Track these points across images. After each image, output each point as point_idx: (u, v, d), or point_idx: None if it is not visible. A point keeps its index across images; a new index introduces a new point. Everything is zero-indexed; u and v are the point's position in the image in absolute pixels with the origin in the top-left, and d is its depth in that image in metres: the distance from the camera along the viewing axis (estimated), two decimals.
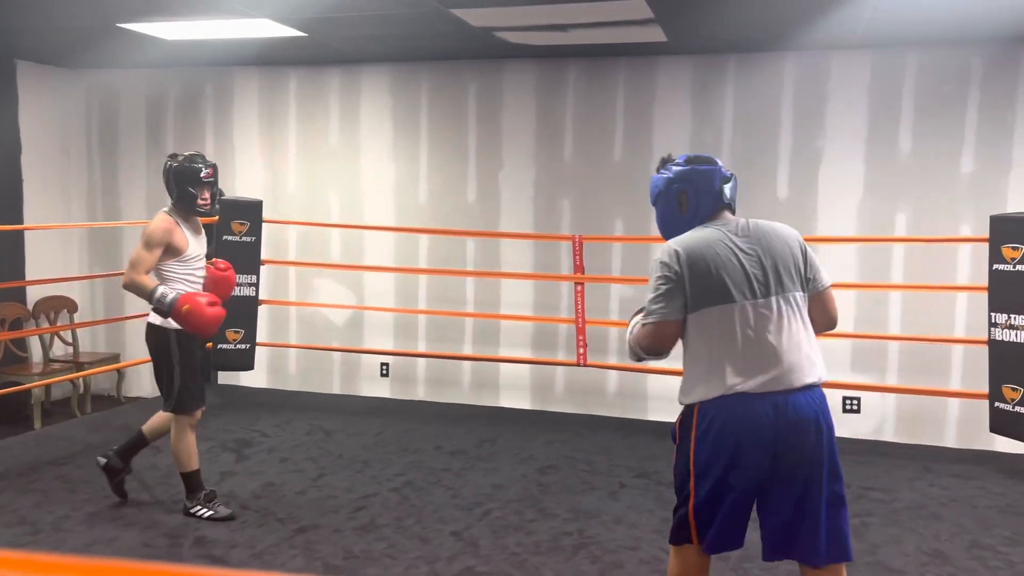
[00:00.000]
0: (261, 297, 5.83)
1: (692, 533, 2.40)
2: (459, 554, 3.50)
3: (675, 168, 2.52)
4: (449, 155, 6.11)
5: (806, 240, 2.54)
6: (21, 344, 6.38)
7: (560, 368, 5.97)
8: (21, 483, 4.28)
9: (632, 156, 5.76)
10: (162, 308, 3.54)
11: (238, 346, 5.65)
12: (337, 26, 4.96)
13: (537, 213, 5.96)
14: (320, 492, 4.22)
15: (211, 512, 3.82)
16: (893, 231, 5.31)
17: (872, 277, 5.35)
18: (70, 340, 6.68)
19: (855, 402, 5.43)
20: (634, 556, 3.50)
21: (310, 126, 6.38)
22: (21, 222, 6.40)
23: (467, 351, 6.13)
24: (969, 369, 5.16)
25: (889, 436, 5.39)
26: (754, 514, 2.48)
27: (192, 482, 3.85)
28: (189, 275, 3.73)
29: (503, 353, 6.04)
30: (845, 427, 5.41)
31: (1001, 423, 4.50)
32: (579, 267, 5.40)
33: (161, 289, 3.56)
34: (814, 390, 2.34)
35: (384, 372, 6.35)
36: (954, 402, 5.25)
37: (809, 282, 2.45)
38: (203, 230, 3.91)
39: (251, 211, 5.67)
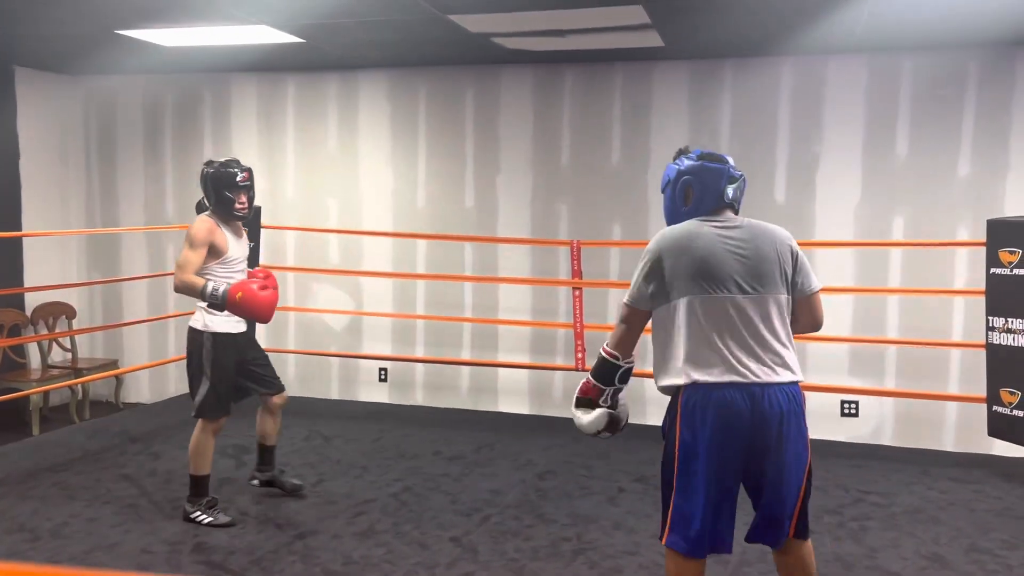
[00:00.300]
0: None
1: (666, 528, 2.50)
2: (458, 560, 3.50)
3: (687, 161, 2.62)
4: (447, 160, 6.12)
5: (803, 244, 2.61)
6: (19, 350, 6.38)
7: (558, 373, 5.97)
8: (20, 490, 4.27)
9: (629, 161, 5.77)
10: (216, 301, 3.59)
11: None
12: (335, 32, 4.97)
13: (535, 218, 5.97)
14: (319, 498, 4.22)
15: (210, 519, 3.82)
16: (890, 235, 5.33)
17: (870, 281, 5.36)
18: (68, 346, 6.68)
19: (853, 406, 5.44)
20: (633, 561, 3.50)
21: (308, 132, 6.39)
22: (19, 228, 6.41)
23: (465, 356, 6.14)
24: (967, 373, 5.16)
25: (887, 440, 5.40)
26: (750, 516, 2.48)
27: (199, 486, 3.86)
28: (229, 277, 3.76)
29: (501, 358, 6.04)
30: (843, 431, 5.42)
31: (999, 427, 4.51)
32: (577, 272, 5.40)
33: (211, 284, 3.61)
34: (790, 386, 2.44)
35: (382, 377, 6.35)
36: (952, 406, 5.26)
37: (796, 285, 2.53)
38: (244, 234, 3.95)
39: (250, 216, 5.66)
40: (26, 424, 5.99)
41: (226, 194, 3.74)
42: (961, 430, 5.25)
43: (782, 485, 2.44)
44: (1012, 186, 5.11)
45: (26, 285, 6.38)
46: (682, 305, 2.45)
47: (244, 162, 3.98)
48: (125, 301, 6.92)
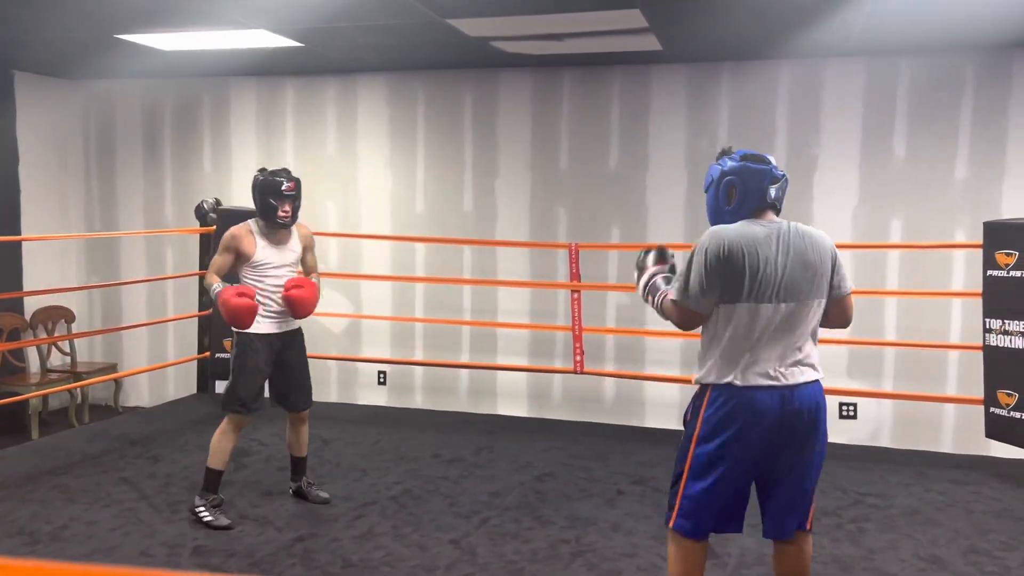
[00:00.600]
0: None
1: (674, 513, 2.59)
2: (457, 562, 3.50)
3: (730, 162, 2.66)
4: (445, 164, 6.14)
5: None
6: (19, 354, 6.39)
7: (557, 375, 5.98)
8: (19, 493, 4.28)
9: (628, 164, 5.78)
10: (211, 300, 3.83)
11: None
12: (333, 36, 4.98)
13: (533, 221, 5.98)
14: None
15: (211, 518, 3.84)
16: (888, 237, 5.34)
17: (868, 283, 5.37)
18: (67, 350, 6.69)
19: (851, 408, 5.45)
20: (631, 563, 3.51)
21: (307, 135, 6.41)
22: (19, 233, 6.42)
23: (464, 359, 6.14)
24: (965, 375, 5.17)
25: (886, 442, 5.40)
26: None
27: (209, 480, 3.93)
28: (259, 281, 3.88)
29: (500, 361, 6.05)
30: (842, 433, 5.43)
31: (996, 428, 4.52)
32: (575, 275, 5.41)
33: (216, 285, 3.80)
34: (815, 384, 2.56)
35: (381, 380, 6.36)
36: (950, 407, 5.27)
37: (834, 288, 2.62)
38: (291, 242, 3.99)
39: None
40: (25, 428, 6.00)
41: (270, 201, 3.85)
42: (959, 432, 5.26)
43: (806, 479, 2.57)
44: (1009, 188, 5.12)
45: (25, 289, 6.39)
46: (731, 310, 2.51)
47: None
48: (124, 305, 6.92)
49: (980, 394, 4.63)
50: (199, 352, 6.12)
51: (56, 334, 6.58)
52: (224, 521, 3.86)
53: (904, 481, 4.59)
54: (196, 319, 6.14)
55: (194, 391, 6.34)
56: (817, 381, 2.57)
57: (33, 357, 6.56)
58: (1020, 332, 4.35)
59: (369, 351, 6.30)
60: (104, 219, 6.92)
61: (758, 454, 2.51)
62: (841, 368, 5.42)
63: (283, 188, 3.85)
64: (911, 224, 5.30)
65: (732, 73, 5.57)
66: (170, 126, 6.72)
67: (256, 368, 3.90)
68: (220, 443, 3.91)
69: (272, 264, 3.91)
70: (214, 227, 5.64)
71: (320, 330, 6.40)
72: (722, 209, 2.65)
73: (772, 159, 2.68)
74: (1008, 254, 4.40)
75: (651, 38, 4.84)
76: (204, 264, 6.00)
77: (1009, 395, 4.42)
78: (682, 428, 2.69)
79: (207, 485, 3.93)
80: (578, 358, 5.42)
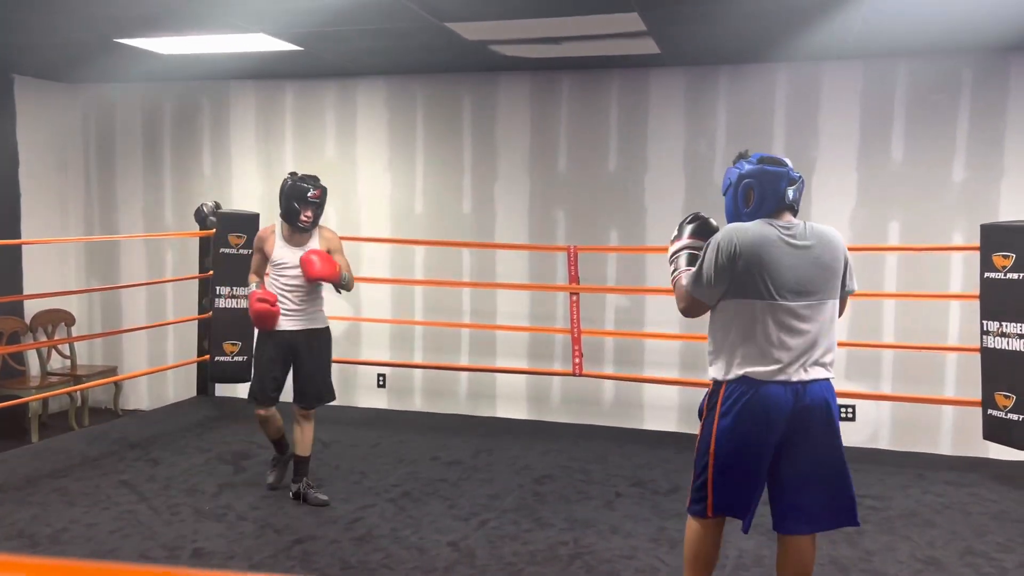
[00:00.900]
0: None
1: (709, 502, 2.68)
2: (456, 564, 3.51)
3: (747, 165, 2.73)
4: (444, 167, 6.15)
5: None
6: (19, 358, 6.40)
7: (556, 378, 5.99)
8: (19, 496, 4.29)
9: (626, 167, 5.80)
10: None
11: (235, 358, 5.67)
12: (333, 40, 5.00)
13: (532, 224, 6.00)
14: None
15: (269, 479, 4.39)
16: (886, 239, 5.35)
17: (866, 285, 5.36)
18: (67, 353, 6.70)
19: (850, 410, 5.46)
20: (630, 565, 3.51)
21: (306, 139, 6.42)
22: (19, 236, 6.43)
23: (463, 362, 6.15)
24: (962, 377, 5.18)
25: (884, 444, 5.41)
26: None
27: (274, 446, 4.41)
28: (278, 279, 4.11)
29: (499, 363, 6.06)
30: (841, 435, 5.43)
31: (994, 430, 4.53)
32: (574, 277, 5.43)
33: (251, 286, 4.16)
34: (827, 380, 2.65)
35: (381, 383, 6.37)
36: (948, 409, 5.28)
37: (843, 287, 2.71)
38: (311, 243, 4.15)
39: (247, 224, 5.70)
40: (25, 431, 6.01)
41: (294, 205, 4.05)
42: (957, 434, 5.28)
43: (813, 475, 2.63)
44: (1006, 191, 5.13)
45: (25, 292, 6.40)
46: (746, 307, 2.59)
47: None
48: (124, 308, 6.93)
49: (978, 396, 4.64)
50: (199, 355, 6.13)
51: (56, 337, 6.59)
52: (271, 478, 4.38)
53: (902, 483, 4.60)
54: (196, 322, 6.15)
55: (194, 394, 6.34)
56: (828, 379, 2.64)
57: (33, 360, 6.57)
58: (1017, 334, 4.36)
59: (368, 354, 6.31)
60: (104, 222, 6.93)
61: (772, 447, 2.60)
62: (839, 370, 5.43)
63: (308, 195, 4.05)
64: (909, 226, 5.31)
65: (730, 76, 5.59)
66: (170, 130, 6.74)
67: (266, 362, 4.12)
68: (262, 429, 4.35)
69: (288, 264, 4.06)
70: (214, 230, 5.65)
71: None
72: (741, 211, 2.72)
73: (788, 161, 2.75)
74: (1005, 256, 4.41)
75: (649, 42, 4.86)
76: (204, 267, 6.01)
77: (1007, 397, 4.43)
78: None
79: (275, 448, 4.42)
80: (577, 360, 5.43)
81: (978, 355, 4.61)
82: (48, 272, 6.72)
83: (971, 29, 4.57)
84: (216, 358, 5.67)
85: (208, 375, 6.01)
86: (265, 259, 4.16)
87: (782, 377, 2.57)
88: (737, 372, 2.61)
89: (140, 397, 6.97)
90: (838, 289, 2.66)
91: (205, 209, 5.86)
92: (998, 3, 4.05)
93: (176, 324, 6.59)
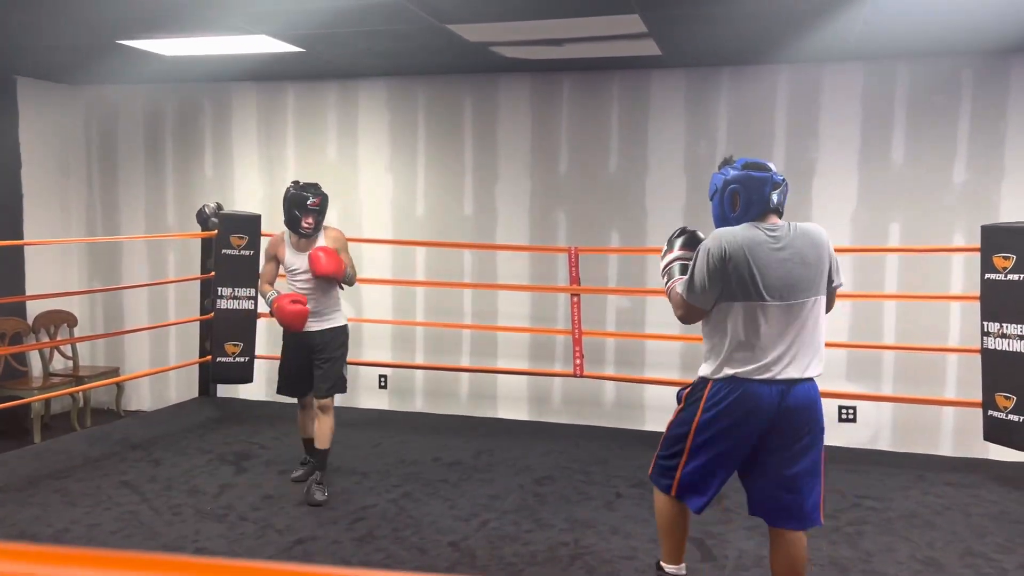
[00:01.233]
0: (260, 310, 5.86)
1: (675, 484, 2.85)
2: (456, 564, 3.52)
3: (732, 171, 2.81)
4: (446, 168, 6.16)
5: None
6: (21, 358, 6.41)
7: (557, 379, 6.00)
8: (20, 497, 4.30)
9: (627, 168, 5.80)
10: (268, 307, 4.33)
11: (237, 359, 5.68)
12: (334, 42, 5.01)
13: (533, 225, 6.01)
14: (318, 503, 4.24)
15: (296, 473, 4.58)
16: (887, 241, 5.35)
17: (866, 287, 5.39)
18: (70, 354, 6.71)
19: (851, 411, 5.46)
20: (630, 566, 3.52)
21: (308, 140, 6.44)
22: (21, 237, 6.45)
23: (465, 363, 6.16)
24: (963, 378, 5.19)
25: (885, 445, 5.42)
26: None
27: (304, 446, 4.64)
28: (293, 284, 4.34)
29: (500, 364, 6.07)
30: (841, 436, 5.44)
31: (995, 431, 4.53)
32: (575, 278, 5.43)
33: (271, 293, 4.33)
34: (812, 381, 2.73)
35: (382, 384, 6.38)
36: (949, 410, 5.29)
37: (829, 283, 2.80)
38: (311, 248, 4.32)
39: (249, 225, 5.71)
40: (27, 432, 6.02)
41: (295, 213, 4.23)
42: (958, 435, 5.28)
43: (790, 467, 2.71)
44: (1007, 192, 5.14)
45: (28, 293, 6.41)
46: (736, 308, 2.69)
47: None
48: (126, 309, 6.95)
49: (978, 397, 4.64)
50: (200, 356, 6.14)
51: (58, 338, 6.61)
52: (297, 472, 4.57)
53: (902, 484, 4.60)
54: (197, 323, 6.16)
55: (195, 395, 6.36)
56: (813, 379, 2.72)
57: (35, 361, 6.58)
58: (1018, 335, 4.36)
59: (370, 355, 6.31)
60: (106, 223, 6.95)
61: (750, 443, 2.72)
62: (840, 371, 5.44)
63: (308, 203, 4.23)
64: (909, 228, 5.32)
65: (731, 78, 5.59)
66: (172, 131, 6.75)
67: (286, 359, 4.44)
68: (298, 417, 4.62)
69: (299, 269, 4.27)
70: (215, 231, 5.67)
71: None
72: (727, 216, 2.80)
73: (772, 165, 2.80)
74: (1006, 257, 4.41)
75: (650, 43, 4.87)
76: (205, 268, 6.02)
77: (1007, 398, 4.43)
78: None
79: (304, 449, 4.66)
80: (578, 362, 5.44)
81: (978, 356, 4.61)
82: (50, 273, 6.73)
83: (971, 31, 4.57)
84: (218, 359, 5.68)
85: (210, 376, 6.02)
86: (277, 266, 4.38)
87: (768, 375, 2.65)
88: (727, 372, 2.70)
89: (142, 398, 6.98)
90: (823, 285, 2.73)
91: (207, 210, 5.88)
92: (998, 4, 4.05)
93: (178, 325, 6.60)
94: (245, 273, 5.65)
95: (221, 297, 5.64)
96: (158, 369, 6.54)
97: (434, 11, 4.23)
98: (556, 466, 4.90)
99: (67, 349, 6.71)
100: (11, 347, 6.11)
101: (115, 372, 6.77)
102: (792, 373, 2.66)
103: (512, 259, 6.04)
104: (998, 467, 4.90)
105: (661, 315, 5.70)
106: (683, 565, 3.04)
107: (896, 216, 5.34)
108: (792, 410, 2.66)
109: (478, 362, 6.13)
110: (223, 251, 5.64)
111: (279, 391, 4.53)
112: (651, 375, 5.75)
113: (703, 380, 2.79)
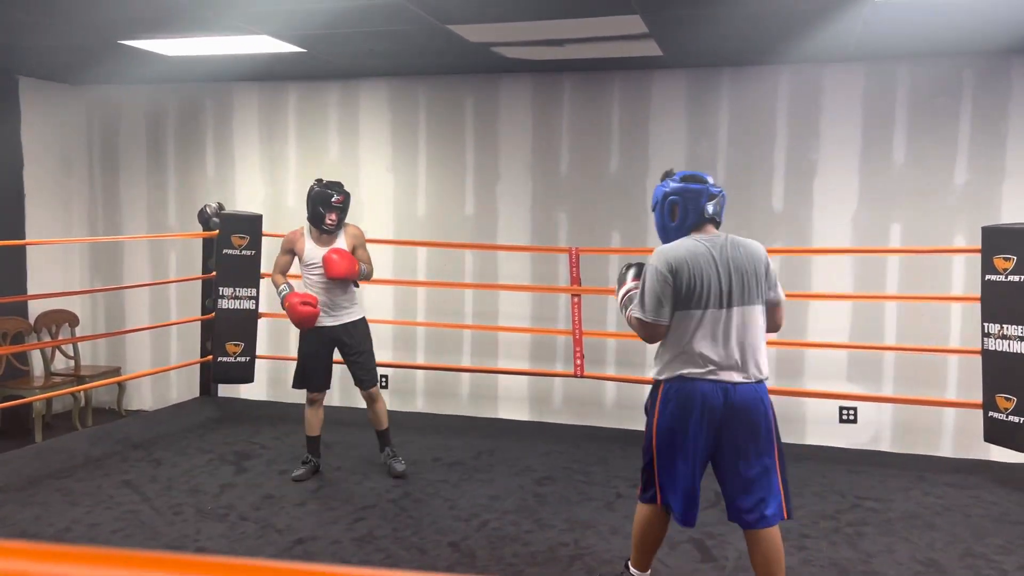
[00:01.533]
0: (261, 310, 5.87)
1: (657, 493, 2.95)
2: (456, 565, 3.52)
3: (671, 183, 2.98)
4: (447, 168, 6.17)
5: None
6: (22, 358, 6.42)
7: (558, 379, 6.00)
8: (21, 496, 4.31)
9: (628, 169, 5.81)
10: (280, 301, 4.44)
11: (238, 359, 5.69)
12: (336, 42, 5.02)
13: (534, 225, 6.01)
14: (319, 504, 4.25)
15: (297, 472, 4.59)
16: (887, 242, 5.35)
17: (867, 288, 5.39)
18: (71, 354, 6.72)
19: (851, 412, 5.46)
20: None
21: (309, 140, 6.44)
22: (23, 237, 6.46)
23: (465, 363, 6.17)
24: (964, 379, 5.19)
25: (886, 446, 5.41)
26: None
27: (308, 445, 4.68)
28: (311, 276, 4.47)
29: (501, 365, 6.07)
30: (841, 437, 5.45)
31: (995, 432, 4.53)
32: (576, 279, 5.44)
33: (284, 287, 4.45)
34: (759, 383, 2.86)
35: (383, 384, 6.38)
36: (949, 412, 5.28)
37: (768, 295, 2.93)
38: (337, 242, 4.48)
39: (251, 225, 5.72)
40: (29, 431, 6.03)
41: (319, 210, 4.39)
42: (958, 436, 5.28)
43: (746, 467, 2.82)
44: (1008, 193, 5.14)
45: (29, 293, 6.42)
46: (680, 315, 2.85)
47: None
48: (128, 308, 6.96)
49: (979, 398, 4.64)
50: (202, 356, 6.15)
51: (60, 337, 6.62)
52: (299, 471, 4.58)
53: (903, 485, 4.60)
54: (199, 323, 6.17)
55: (197, 394, 6.36)
56: (761, 381, 2.85)
57: (37, 360, 6.59)
58: (1018, 336, 4.36)
59: None
60: (108, 223, 6.96)
61: (707, 441, 2.83)
62: (841, 372, 5.44)
63: (332, 200, 4.40)
64: (910, 229, 5.32)
65: (732, 78, 5.60)
66: (173, 131, 6.76)
67: (305, 354, 4.54)
68: (305, 415, 4.65)
69: (318, 263, 4.41)
70: (217, 231, 5.67)
71: None
72: (668, 225, 2.98)
73: (709, 178, 2.99)
74: (1006, 258, 4.42)
75: (651, 44, 4.87)
76: (207, 268, 6.03)
77: (1008, 399, 4.43)
78: None
79: (308, 448, 4.68)
80: (578, 362, 5.45)
81: (979, 357, 4.61)
82: (52, 273, 6.74)
83: (972, 31, 4.57)
84: (219, 359, 5.69)
85: (211, 376, 6.02)
86: (291, 259, 4.53)
87: (713, 378, 2.81)
88: (675, 372, 2.85)
89: (143, 397, 6.99)
90: (761, 295, 2.87)
91: (208, 210, 5.88)
92: (999, 6, 4.05)
93: (179, 325, 6.61)
94: (246, 273, 5.66)
95: (222, 297, 5.65)
96: (159, 369, 6.55)
97: (435, 11, 4.24)
98: (556, 466, 4.90)
99: (68, 349, 6.72)
100: (13, 346, 6.12)
101: (116, 372, 6.78)
102: (735, 377, 2.81)
103: (513, 259, 6.04)
104: (999, 468, 4.89)
105: None
106: (648, 573, 3.17)
107: (897, 217, 5.34)
108: (738, 409, 2.79)
109: (479, 362, 6.13)
110: (224, 251, 5.65)
111: (295, 385, 4.63)
112: (651, 375, 5.74)
113: (656, 384, 2.94)
